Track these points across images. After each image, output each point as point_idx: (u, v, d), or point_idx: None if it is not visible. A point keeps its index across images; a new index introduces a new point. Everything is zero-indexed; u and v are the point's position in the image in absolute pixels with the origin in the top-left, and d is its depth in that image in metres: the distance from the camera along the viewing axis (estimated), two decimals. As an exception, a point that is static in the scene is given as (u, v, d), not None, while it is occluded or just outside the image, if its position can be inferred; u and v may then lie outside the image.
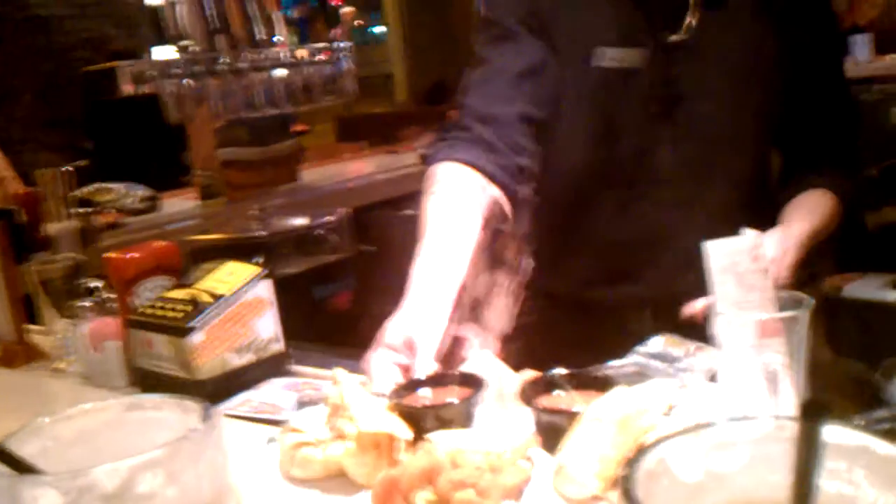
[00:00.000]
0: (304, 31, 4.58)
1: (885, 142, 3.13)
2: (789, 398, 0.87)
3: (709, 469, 0.52)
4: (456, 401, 0.99)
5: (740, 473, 0.53)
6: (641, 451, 0.50)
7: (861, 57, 5.19)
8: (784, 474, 0.45)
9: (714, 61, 1.43)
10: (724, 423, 0.53)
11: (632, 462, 0.49)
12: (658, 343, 1.06)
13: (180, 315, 1.26)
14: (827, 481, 0.48)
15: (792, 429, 0.45)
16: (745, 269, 0.91)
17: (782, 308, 0.90)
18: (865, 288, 2.13)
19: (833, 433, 0.47)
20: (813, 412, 0.44)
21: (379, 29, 8.18)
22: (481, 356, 1.06)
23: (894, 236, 2.99)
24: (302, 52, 3.10)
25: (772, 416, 0.74)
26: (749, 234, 0.92)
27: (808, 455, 0.44)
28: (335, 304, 3.18)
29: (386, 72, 7.90)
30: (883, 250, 2.71)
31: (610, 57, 1.41)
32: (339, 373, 1.00)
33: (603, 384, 0.96)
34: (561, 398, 0.98)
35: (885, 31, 5.64)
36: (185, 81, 2.84)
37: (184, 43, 2.88)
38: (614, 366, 1.06)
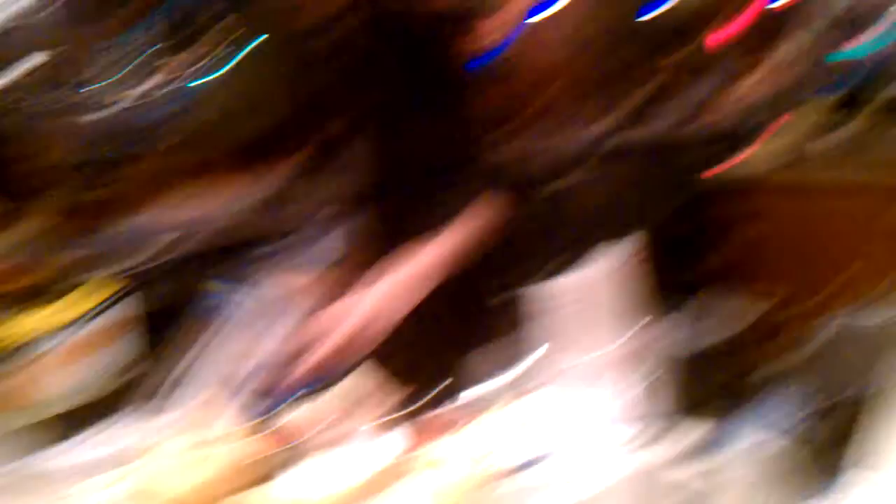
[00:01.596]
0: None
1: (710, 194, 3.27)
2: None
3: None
4: None
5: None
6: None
7: None
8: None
9: None
10: (576, 434, 0.55)
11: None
12: (527, 364, 1.08)
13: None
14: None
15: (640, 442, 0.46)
16: (596, 295, 0.92)
17: (631, 335, 0.92)
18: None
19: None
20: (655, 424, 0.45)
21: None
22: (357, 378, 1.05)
23: (714, 284, 3.07)
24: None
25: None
26: (600, 260, 0.94)
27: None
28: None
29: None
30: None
31: None
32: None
33: (481, 405, 1.01)
34: (439, 418, 0.99)
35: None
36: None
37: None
38: (493, 386, 1.08)
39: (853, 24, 2.83)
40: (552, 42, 8.42)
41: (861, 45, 2.78)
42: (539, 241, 1.55)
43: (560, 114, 7.17)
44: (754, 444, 0.82)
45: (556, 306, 0.90)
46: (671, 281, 3.74)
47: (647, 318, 1.16)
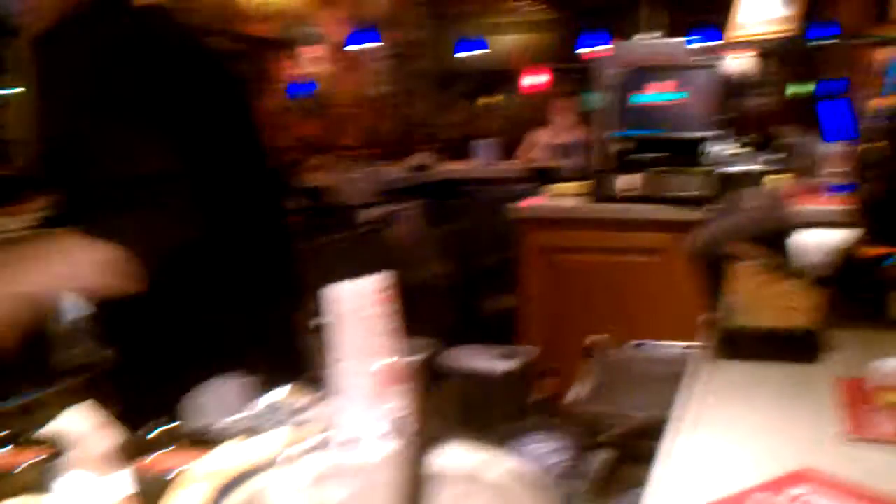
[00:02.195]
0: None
1: (502, 237, 3.42)
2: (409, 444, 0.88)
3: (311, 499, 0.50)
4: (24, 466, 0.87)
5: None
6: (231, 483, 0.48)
7: (483, 159, 6.04)
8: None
9: None
10: (328, 455, 0.51)
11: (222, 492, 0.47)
12: (280, 393, 1.04)
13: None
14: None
15: (402, 461, 0.45)
16: (368, 313, 0.90)
17: (407, 355, 0.90)
18: (470, 358, 2.17)
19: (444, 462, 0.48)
20: (419, 442, 0.44)
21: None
22: (72, 414, 0.97)
23: (506, 322, 3.21)
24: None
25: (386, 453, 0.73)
26: (373, 277, 0.91)
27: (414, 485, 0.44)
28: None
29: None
30: (498, 334, 2.94)
31: None
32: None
33: (211, 441, 0.91)
34: (164, 457, 0.92)
35: (507, 138, 6.69)
36: None
37: None
38: (228, 421, 1.03)
39: (646, 74, 3.00)
40: (366, 76, 8.44)
41: (652, 94, 2.95)
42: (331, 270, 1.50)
43: (369, 147, 7.18)
44: (519, 473, 0.80)
45: (325, 323, 0.86)
46: (468, 310, 3.80)
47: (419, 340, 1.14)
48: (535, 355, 1.96)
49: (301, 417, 0.97)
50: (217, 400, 1.05)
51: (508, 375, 2.05)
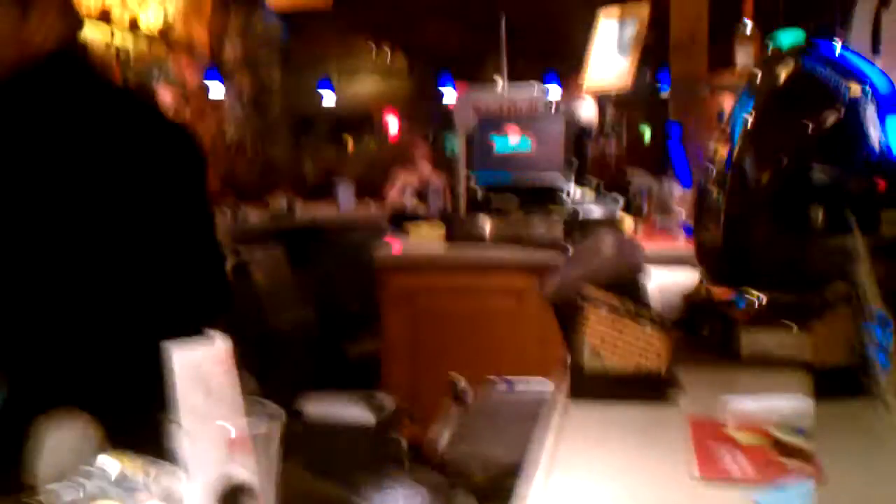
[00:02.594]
0: None
1: (364, 282, 3.43)
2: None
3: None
4: None
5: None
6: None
7: (344, 202, 6.04)
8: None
9: None
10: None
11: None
12: (111, 463, 0.98)
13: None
14: None
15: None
16: (212, 377, 0.86)
17: (253, 421, 0.87)
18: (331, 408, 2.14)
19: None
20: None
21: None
22: None
23: (370, 366, 3.21)
24: None
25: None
26: (215, 339, 0.87)
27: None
28: None
29: None
30: (360, 380, 2.93)
31: None
32: None
33: None
34: None
35: (368, 180, 6.85)
36: None
37: None
38: (57, 487, 0.96)
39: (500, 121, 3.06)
40: (221, 120, 8.31)
41: (507, 140, 3.01)
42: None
43: (227, 191, 7.03)
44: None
45: (174, 383, 0.81)
46: (331, 356, 3.75)
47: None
48: (396, 402, 1.94)
49: (134, 486, 0.91)
50: (55, 453, 0.98)
51: (370, 424, 2.01)
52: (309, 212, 6.09)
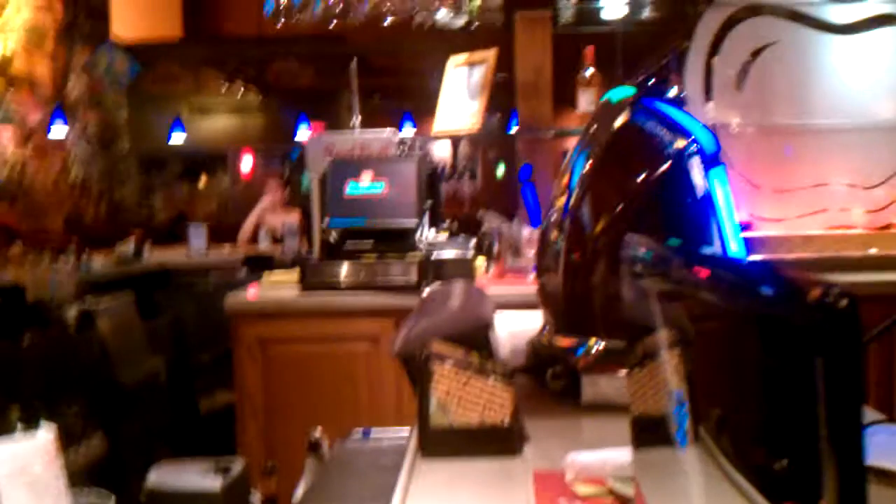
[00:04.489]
0: None
1: (217, 330, 3.38)
2: None
3: None
4: None
5: None
6: None
7: (197, 245, 5.76)
8: None
9: None
10: None
11: None
12: None
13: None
14: None
15: None
16: (38, 472, 0.82)
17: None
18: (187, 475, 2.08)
19: None
20: None
21: None
22: None
23: (225, 419, 3.21)
24: None
25: None
26: (41, 434, 0.84)
27: None
28: None
29: None
30: (214, 434, 2.86)
31: None
32: None
33: None
34: None
35: (221, 221, 6.80)
36: None
37: None
38: None
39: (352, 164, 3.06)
40: (64, 160, 7.97)
41: (359, 184, 3.01)
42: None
43: (72, 235, 6.71)
44: None
45: None
46: (184, 409, 3.61)
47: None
48: (245, 462, 1.88)
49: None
50: None
51: (215, 490, 1.95)
52: (159, 256, 5.90)
